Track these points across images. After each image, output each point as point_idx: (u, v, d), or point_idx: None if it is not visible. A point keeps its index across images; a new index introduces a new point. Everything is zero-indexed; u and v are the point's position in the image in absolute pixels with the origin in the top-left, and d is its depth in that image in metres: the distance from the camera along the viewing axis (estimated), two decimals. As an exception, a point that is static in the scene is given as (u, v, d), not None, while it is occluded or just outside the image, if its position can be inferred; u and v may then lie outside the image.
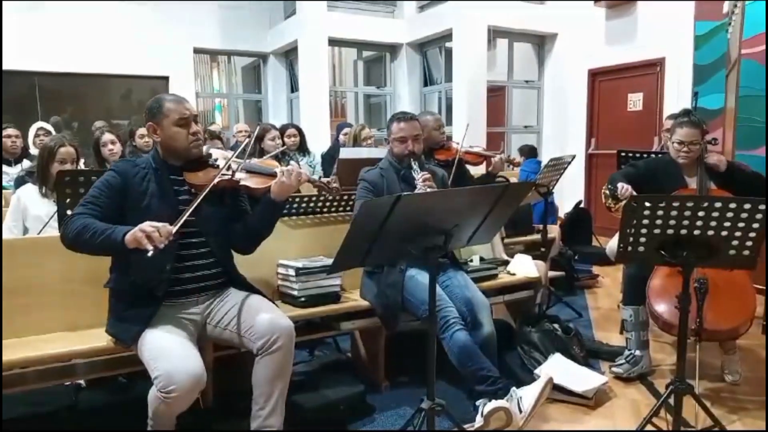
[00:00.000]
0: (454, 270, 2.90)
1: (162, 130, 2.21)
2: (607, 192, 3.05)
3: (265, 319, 2.17)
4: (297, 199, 3.13)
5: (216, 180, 2.14)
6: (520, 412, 2.40)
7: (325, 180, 2.48)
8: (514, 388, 2.49)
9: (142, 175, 2.19)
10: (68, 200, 2.64)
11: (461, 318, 2.61)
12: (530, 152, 6.80)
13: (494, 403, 2.37)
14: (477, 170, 3.85)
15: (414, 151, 2.90)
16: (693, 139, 2.99)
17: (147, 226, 1.91)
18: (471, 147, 3.82)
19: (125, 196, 2.14)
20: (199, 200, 2.07)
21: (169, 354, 1.99)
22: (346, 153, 4.42)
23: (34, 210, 2.95)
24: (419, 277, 2.73)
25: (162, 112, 2.20)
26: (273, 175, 2.27)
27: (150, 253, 1.87)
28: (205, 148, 2.34)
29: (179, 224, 1.98)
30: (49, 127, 5.81)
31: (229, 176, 2.22)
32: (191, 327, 2.21)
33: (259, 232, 2.34)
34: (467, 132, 3.74)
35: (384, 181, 2.90)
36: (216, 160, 2.28)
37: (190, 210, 2.04)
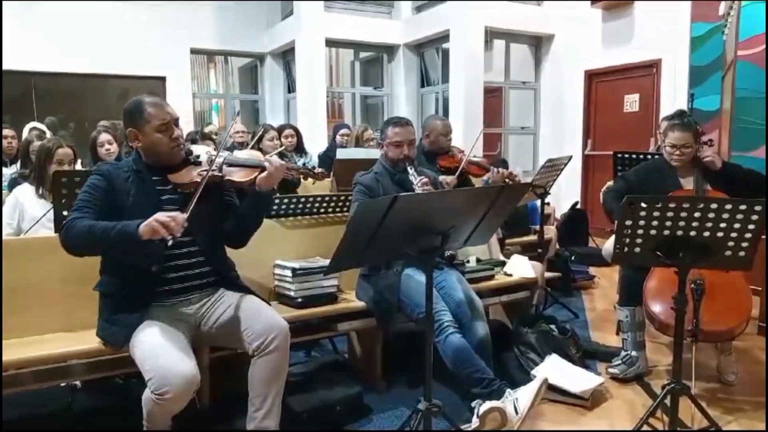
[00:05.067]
0: (449, 269, 2.90)
1: (144, 136, 2.18)
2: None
3: (261, 320, 2.16)
4: (294, 200, 3.13)
5: (205, 179, 2.13)
6: (516, 413, 2.40)
7: (310, 166, 2.48)
8: (509, 389, 2.48)
9: (124, 178, 2.17)
10: (64, 201, 2.63)
11: (455, 320, 2.62)
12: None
13: (489, 404, 2.37)
14: (478, 182, 3.83)
15: (409, 156, 2.93)
16: (685, 143, 2.97)
17: (162, 216, 1.92)
18: (475, 157, 3.79)
19: (112, 196, 2.13)
20: (199, 192, 2.05)
21: (162, 355, 1.98)
22: (343, 153, 4.43)
23: (31, 211, 2.94)
24: (415, 278, 2.73)
25: (143, 117, 2.16)
26: (257, 167, 2.26)
27: (170, 242, 1.91)
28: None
29: (189, 211, 1.98)
30: (42, 127, 5.79)
31: (215, 172, 2.20)
32: (184, 328, 2.19)
33: (248, 224, 2.33)
34: (472, 150, 3.70)
35: (379, 185, 2.92)
36: (197, 156, 2.27)
37: (195, 198, 2.03)
